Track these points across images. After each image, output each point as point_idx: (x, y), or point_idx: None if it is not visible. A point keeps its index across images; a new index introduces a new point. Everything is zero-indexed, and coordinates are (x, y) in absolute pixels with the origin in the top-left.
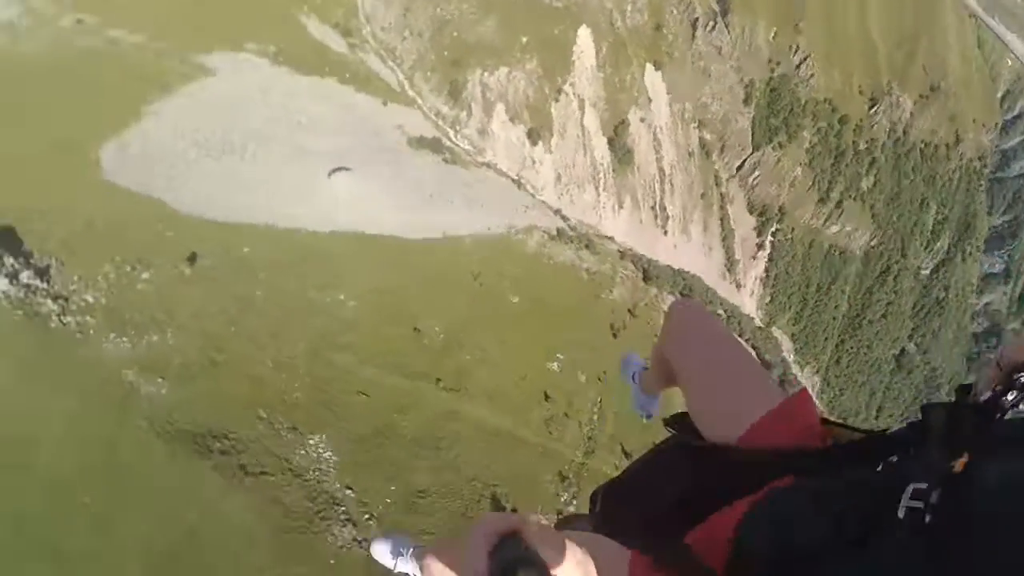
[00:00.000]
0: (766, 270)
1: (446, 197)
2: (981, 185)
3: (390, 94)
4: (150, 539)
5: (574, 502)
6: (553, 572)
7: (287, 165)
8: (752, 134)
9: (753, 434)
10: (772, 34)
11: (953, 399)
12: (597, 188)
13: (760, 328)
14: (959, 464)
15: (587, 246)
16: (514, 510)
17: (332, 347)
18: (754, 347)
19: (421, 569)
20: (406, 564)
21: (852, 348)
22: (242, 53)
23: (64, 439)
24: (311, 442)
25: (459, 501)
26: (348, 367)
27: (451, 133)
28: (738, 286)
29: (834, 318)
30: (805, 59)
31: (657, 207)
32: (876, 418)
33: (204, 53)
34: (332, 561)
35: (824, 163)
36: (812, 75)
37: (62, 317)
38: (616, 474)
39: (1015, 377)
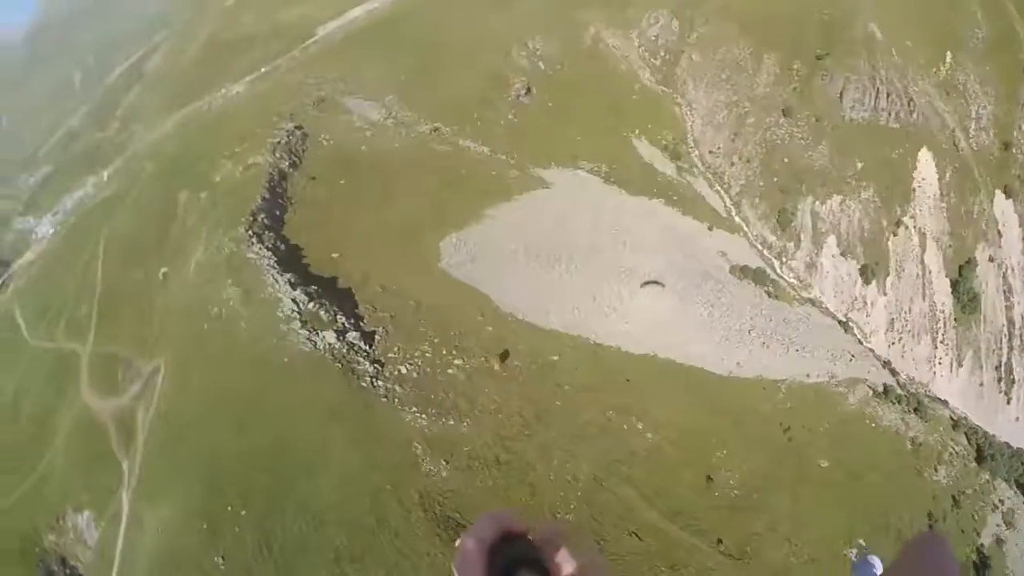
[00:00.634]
0: None
1: (766, 334)
2: None
3: (715, 219)
4: None
5: None
6: None
7: (607, 281)
8: None
9: None
10: None
11: None
12: (935, 339)
13: None
14: None
15: (916, 410)
16: None
17: (617, 476)
18: None
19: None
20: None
21: None
22: (577, 170)
23: (342, 483)
24: None
25: None
26: (628, 502)
27: (776, 264)
28: None
29: None
30: None
31: (1002, 368)
32: None
33: (542, 167)
34: None
35: None
36: None
37: (375, 380)
38: None
39: None
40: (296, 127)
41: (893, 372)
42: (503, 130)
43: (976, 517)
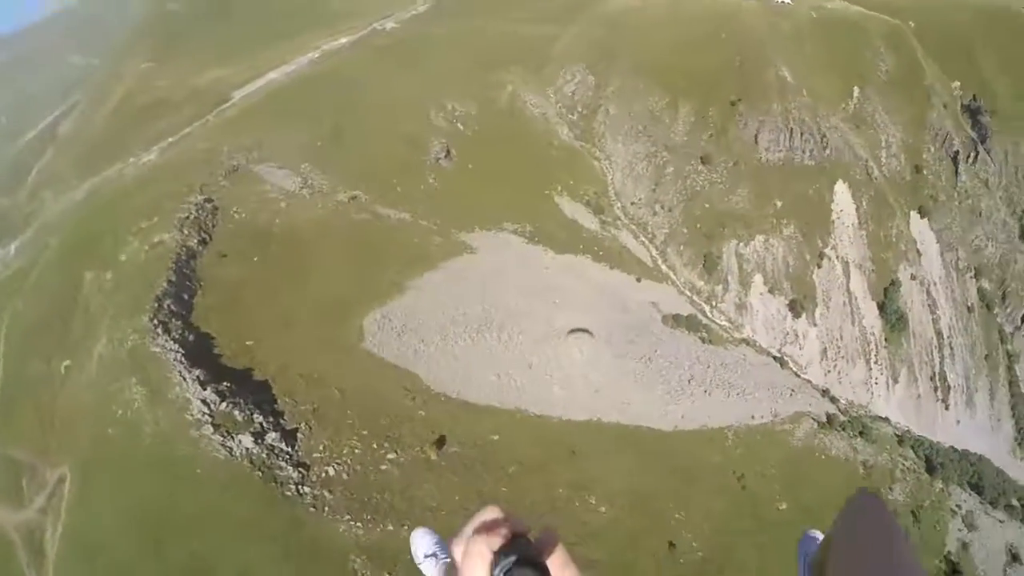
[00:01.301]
0: None
1: (706, 381)
2: None
3: (643, 270)
4: None
5: None
6: None
7: (541, 345)
8: None
9: None
10: None
11: None
12: (868, 361)
13: None
14: None
15: (861, 433)
16: None
17: (578, 562)
18: None
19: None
20: (431, 569)
21: None
22: (501, 231)
23: None
24: None
25: None
26: None
27: (707, 309)
28: None
29: None
30: None
31: (936, 377)
32: None
33: (466, 231)
34: None
35: None
36: None
37: (300, 487)
38: None
39: None
40: (206, 200)
41: (833, 399)
42: (424, 195)
43: (938, 527)
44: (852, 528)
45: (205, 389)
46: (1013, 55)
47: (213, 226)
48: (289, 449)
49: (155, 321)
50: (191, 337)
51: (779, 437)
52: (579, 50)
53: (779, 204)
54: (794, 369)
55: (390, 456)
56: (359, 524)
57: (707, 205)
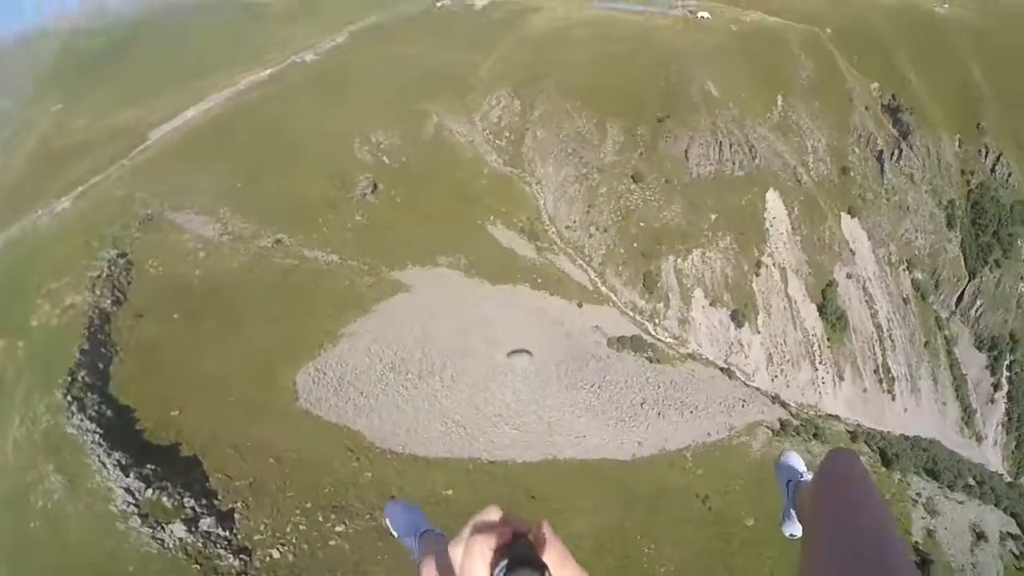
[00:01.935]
0: (1007, 412)
1: (658, 403)
2: None
3: (583, 294)
4: None
5: None
6: None
7: (487, 384)
8: (965, 259)
9: None
10: (957, 142)
11: None
12: (813, 362)
13: (1010, 484)
14: None
15: (815, 435)
16: None
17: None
18: (1013, 514)
19: (422, 562)
20: (412, 541)
21: None
22: (435, 266)
23: None
24: None
25: None
26: None
27: (650, 327)
28: (979, 439)
29: None
30: (998, 158)
31: (880, 369)
32: None
33: (398, 269)
34: None
35: None
36: (1010, 174)
37: None
38: None
39: None
40: (119, 254)
41: (784, 404)
42: (352, 233)
43: (902, 518)
44: (829, 480)
45: (128, 475)
46: (926, 52)
47: (128, 283)
48: (227, 534)
49: (69, 397)
50: (109, 412)
51: (737, 451)
52: (503, 74)
53: (713, 217)
54: (742, 378)
55: (338, 529)
56: None
57: (642, 223)
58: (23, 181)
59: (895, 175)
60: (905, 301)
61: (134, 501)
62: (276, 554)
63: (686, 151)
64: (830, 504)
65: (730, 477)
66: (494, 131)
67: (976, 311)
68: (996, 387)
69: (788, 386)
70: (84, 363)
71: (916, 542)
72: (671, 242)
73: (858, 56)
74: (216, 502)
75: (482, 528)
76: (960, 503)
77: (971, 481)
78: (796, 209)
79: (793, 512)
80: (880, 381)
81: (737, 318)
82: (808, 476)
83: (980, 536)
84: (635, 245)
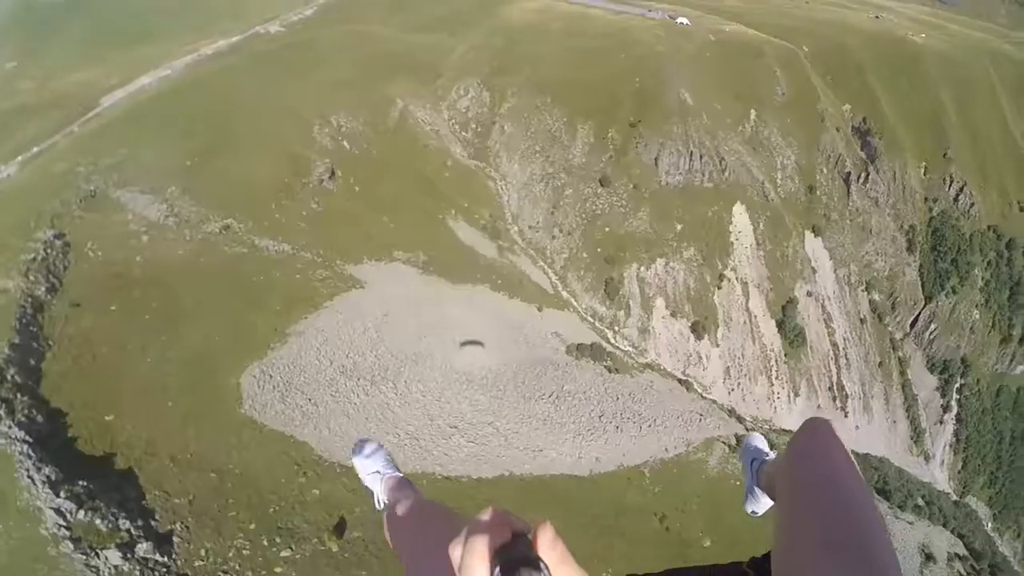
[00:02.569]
0: (955, 433)
1: (616, 416)
2: None
3: (543, 297)
4: None
5: None
6: None
7: (443, 393)
8: (922, 284)
9: None
10: (923, 169)
11: None
12: (770, 377)
13: (956, 503)
14: None
15: (772, 449)
16: None
17: None
18: (960, 535)
19: (393, 510)
20: (376, 484)
21: None
22: (393, 262)
23: None
24: None
25: None
26: None
27: (610, 335)
28: (927, 458)
29: None
30: (962, 188)
31: (835, 387)
32: None
33: (353, 263)
34: None
35: (1001, 298)
36: (972, 204)
37: None
38: None
39: None
40: (56, 235)
41: (740, 419)
42: (306, 222)
43: None
44: (804, 447)
45: (59, 495)
46: (899, 79)
47: (64, 268)
48: (165, 559)
49: None
50: (40, 417)
51: (694, 467)
52: (474, 63)
53: (679, 227)
54: (699, 390)
55: (284, 553)
56: None
57: (607, 229)
58: None
59: (860, 197)
60: (862, 321)
61: (66, 523)
62: None
63: (656, 158)
64: (807, 474)
65: (687, 495)
66: (461, 122)
67: (930, 334)
68: (946, 408)
69: (744, 400)
70: (14, 359)
71: None
72: (635, 250)
73: (832, 77)
74: (154, 523)
75: (481, 528)
76: (910, 523)
77: (920, 501)
78: (762, 224)
79: (757, 490)
80: (834, 398)
81: (697, 330)
82: (772, 455)
83: (929, 557)
84: (599, 250)
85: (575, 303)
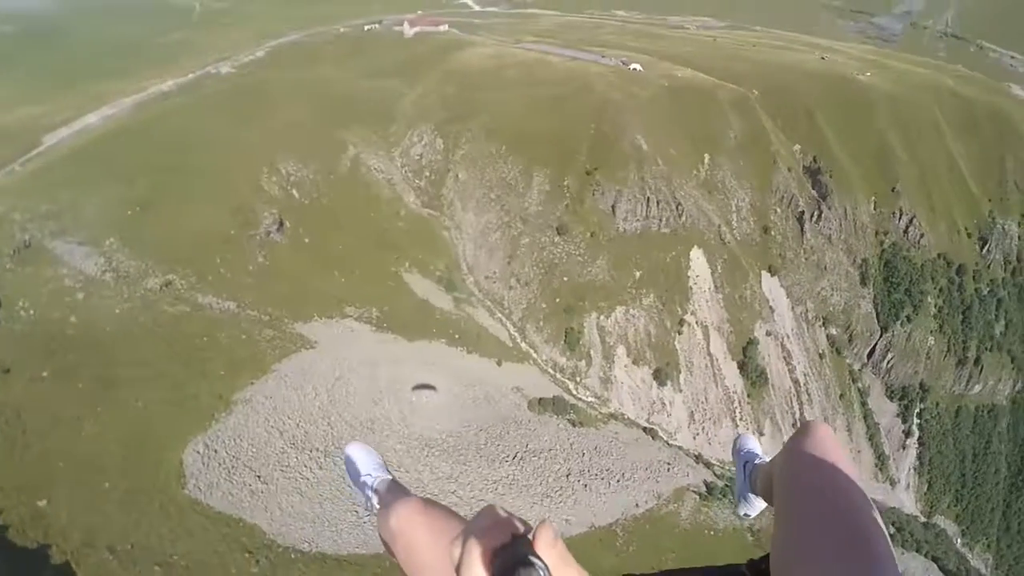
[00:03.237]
0: (918, 456)
1: (584, 473)
2: None
3: (503, 351)
4: None
5: None
6: None
7: (402, 461)
8: (877, 315)
9: None
10: (873, 204)
11: None
12: (734, 419)
13: (925, 524)
14: None
15: None
16: None
17: None
18: (934, 558)
19: (387, 511)
20: (366, 487)
21: (1020, 508)
22: (344, 319)
23: None
24: None
25: None
26: None
27: (572, 386)
28: (892, 484)
29: (996, 484)
30: (911, 220)
31: (798, 423)
32: None
33: (303, 321)
34: None
35: (954, 323)
36: (922, 235)
37: None
38: None
39: None
40: None
41: (707, 464)
42: (252, 277)
43: None
44: (802, 448)
45: None
46: (847, 119)
47: None
48: None
49: None
50: None
51: (667, 521)
52: (428, 109)
53: (638, 274)
54: (664, 438)
55: None
56: None
57: (565, 278)
58: None
59: (814, 235)
60: (821, 356)
61: None
62: None
63: (613, 205)
64: (806, 476)
65: (662, 551)
66: (414, 169)
67: (887, 363)
68: (907, 434)
69: (710, 443)
70: None
71: None
72: (594, 298)
73: (782, 118)
74: None
75: (481, 528)
76: None
77: (891, 529)
78: (719, 267)
79: (750, 495)
80: None
81: (660, 376)
82: (765, 459)
83: None
84: (557, 300)
85: (535, 355)
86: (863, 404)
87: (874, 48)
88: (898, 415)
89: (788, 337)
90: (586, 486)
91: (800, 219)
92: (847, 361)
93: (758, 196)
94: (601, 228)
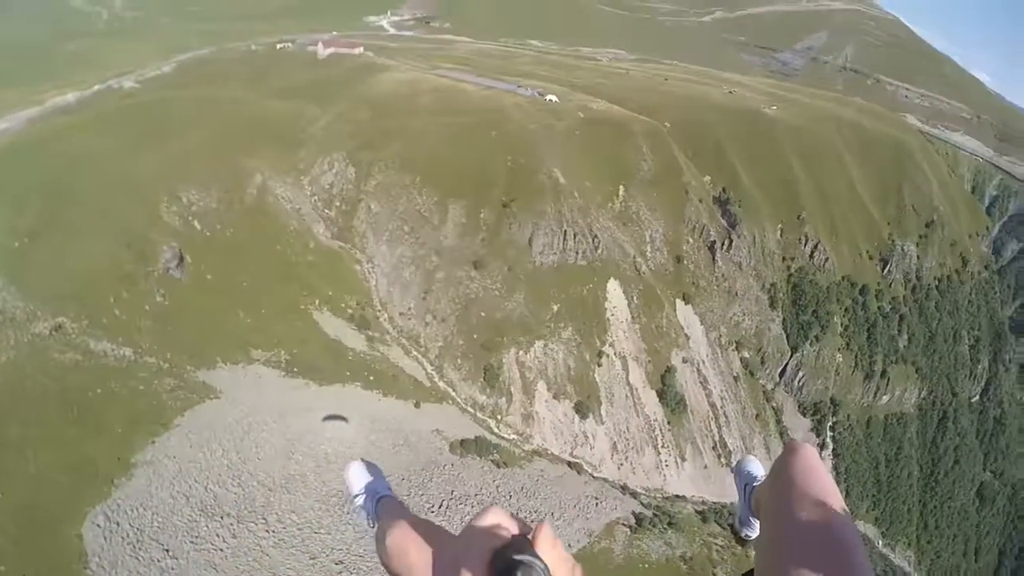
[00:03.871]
0: (835, 467)
1: None
2: (997, 293)
3: (420, 391)
4: None
5: None
6: None
7: (322, 522)
8: (787, 336)
9: None
10: (779, 231)
11: None
12: (656, 446)
13: None
14: None
15: (670, 524)
16: None
17: None
18: None
19: (386, 527)
20: (368, 504)
21: (936, 507)
22: (250, 364)
23: None
24: None
25: None
26: None
27: (493, 424)
28: None
29: (911, 486)
30: (816, 245)
31: (718, 445)
32: (976, 560)
33: (207, 367)
34: None
35: (860, 340)
36: (826, 259)
37: None
38: None
39: None
40: None
41: (633, 494)
42: (150, 319)
43: None
44: (788, 469)
45: None
46: (754, 150)
47: None
48: None
49: None
50: None
51: (601, 558)
52: (339, 135)
53: (556, 307)
54: (589, 471)
55: None
56: None
57: (483, 314)
58: None
59: (725, 263)
60: (736, 379)
61: None
62: None
63: (530, 238)
64: (787, 494)
65: None
66: (324, 198)
67: (799, 382)
68: (822, 447)
69: (634, 472)
70: None
71: None
72: (513, 333)
73: (693, 150)
74: None
75: (481, 529)
76: None
77: None
78: (635, 298)
79: (751, 518)
80: (719, 456)
81: (581, 409)
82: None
83: None
84: (475, 336)
85: (454, 394)
86: (778, 422)
87: (777, 82)
88: (812, 429)
89: (704, 363)
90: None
91: (711, 248)
92: (760, 382)
93: (671, 226)
94: (518, 262)
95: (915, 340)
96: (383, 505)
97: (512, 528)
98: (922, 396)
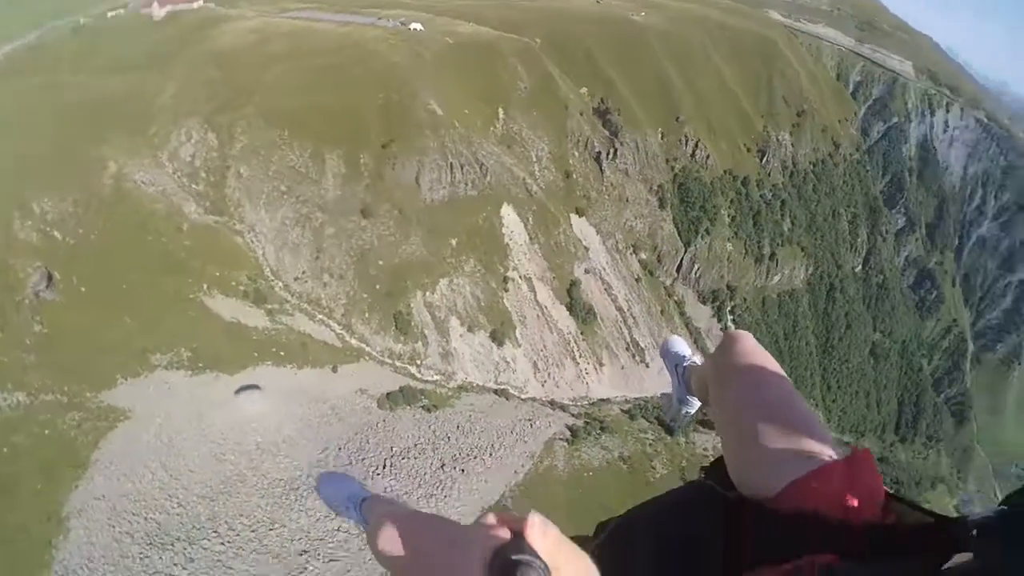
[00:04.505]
0: None
1: (456, 458)
2: (868, 171)
3: (334, 354)
4: None
5: None
6: None
7: (275, 515)
8: (679, 233)
9: (793, 493)
10: (660, 135)
11: None
12: (574, 358)
13: None
14: None
15: (603, 428)
16: None
17: None
18: None
19: (375, 528)
20: (354, 513)
21: (835, 369)
22: (152, 372)
23: None
24: None
25: None
26: None
27: (414, 370)
28: None
29: (810, 354)
30: (696, 144)
31: (631, 346)
32: (879, 411)
33: (107, 388)
34: None
35: (747, 228)
36: (708, 156)
37: None
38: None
39: None
40: None
41: (562, 407)
42: (34, 353)
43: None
44: (727, 355)
45: None
46: (627, 58)
47: None
48: None
49: None
50: None
51: (548, 476)
52: (191, 101)
53: (454, 242)
54: (516, 394)
55: None
56: None
57: (381, 262)
58: None
59: (612, 172)
60: (637, 280)
61: None
62: None
63: (416, 177)
64: (739, 376)
65: (555, 507)
66: (188, 173)
67: (695, 273)
68: (724, 330)
69: (558, 387)
70: None
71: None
72: (416, 276)
73: (567, 64)
74: None
75: (479, 529)
76: None
77: None
78: (530, 219)
79: (687, 396)
80: (633, 356)
81: (497, 337)
82: (696, 359)
83: None
84: (378, 287)
85: (368, 349)
86: (682, 314)
87: None
88: (713, 316)
89: (605, 270)
90: (463, 471)
91: (598, 159)
92: (660, 279)
93: (555, 143)
94: (407, 203)
95: (798, 222)
96: (366, 508)
97: (510, 527)
98: (810, 272)
